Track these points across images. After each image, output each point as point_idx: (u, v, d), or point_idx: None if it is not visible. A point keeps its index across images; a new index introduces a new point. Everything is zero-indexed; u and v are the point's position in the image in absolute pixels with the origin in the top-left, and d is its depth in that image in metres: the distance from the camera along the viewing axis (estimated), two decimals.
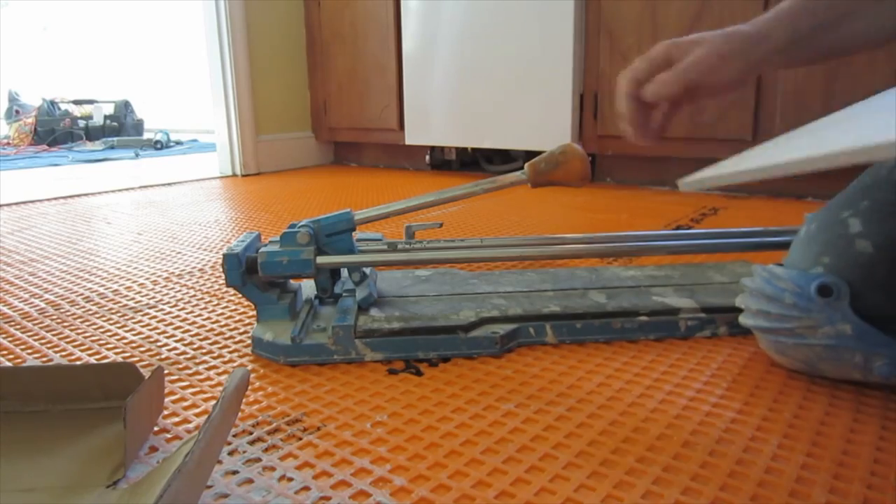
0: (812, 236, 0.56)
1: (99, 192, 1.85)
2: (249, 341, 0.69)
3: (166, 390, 0.57)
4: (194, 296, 0.86)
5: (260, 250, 0.67)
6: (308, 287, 0.77)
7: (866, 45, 0.62)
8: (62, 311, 0.81)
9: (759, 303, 0.56)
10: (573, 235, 0.80)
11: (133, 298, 0.86)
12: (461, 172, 2.08)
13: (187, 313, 0.79)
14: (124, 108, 3.93)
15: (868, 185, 0.55)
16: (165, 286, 0.91)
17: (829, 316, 0.52)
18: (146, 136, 3.69)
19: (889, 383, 0.53)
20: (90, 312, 0.80)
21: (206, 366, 0.64)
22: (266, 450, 0.48)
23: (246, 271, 0.65)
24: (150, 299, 0.85)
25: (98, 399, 0.51)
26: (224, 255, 0.64)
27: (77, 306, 0.83)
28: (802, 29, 0.58)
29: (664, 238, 0.78)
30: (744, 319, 0.58)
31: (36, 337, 0.73)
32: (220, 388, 0.57)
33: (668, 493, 0.42)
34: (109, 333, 0.73)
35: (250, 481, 0.44)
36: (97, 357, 0.67)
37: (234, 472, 0.45)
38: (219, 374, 0.62)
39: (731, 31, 0.57)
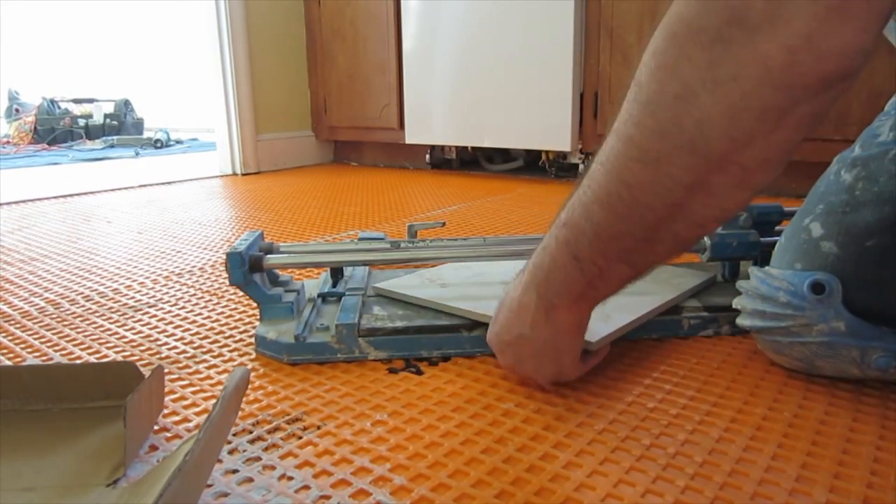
0: (783, 244, 0.58)
1: (99, 191, 1.85)
2: (250, 340, 0.69)
3: (166, 389, 0.57)
4: (194, 295, 0.86)
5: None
6: (311, 286, 0.77)
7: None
8: (62, 309, 0.81)
9: (755, 303, 0.57)
10: None
11: (133, 297, 0.86)
12: (461, 171, 2.08)
13: (187, 312, 0.79)
14: (124, 106, 3.93)
15: (822, 191, 0.57)
16: (166, 285, 0.91)
17: (822, 313, 0.52)
18: (146, 134, 3.69)
19: (887, 377, 0.53)
20: (90, 311, 0.80)
21: (206, 365, 0.64)
22: (266, 448, 0.48)
23: (249, 269, 0.65)
24: (150, 298, 0.85)
25: (98, 398, 0.51)
26: (227, 254, 0.64)
27: (77, 305, 0.83)
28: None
29: None
30: (741, 321, 0.59)
31: (36, 336, 0.73)
32: (221, 387, 0.57)
33: (668, 492, 0.42)
34: (109, 332, 0.73)
35: (250, 480, 0.44)
36: (97, 356, 0.67)
37: (234, 471, 0.45)
38: (219, 373, 0.62)
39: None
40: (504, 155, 2.06)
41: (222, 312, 0.79)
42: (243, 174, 2.12)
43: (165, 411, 0.54)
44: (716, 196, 0.39)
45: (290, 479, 0.44)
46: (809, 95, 0.34)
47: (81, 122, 3.77)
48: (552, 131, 1.71)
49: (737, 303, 0.59)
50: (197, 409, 0.55)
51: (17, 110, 3.75)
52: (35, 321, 0.77)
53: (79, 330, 0.74)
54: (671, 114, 0.36)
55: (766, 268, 0.58)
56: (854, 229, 0.53)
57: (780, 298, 0.54)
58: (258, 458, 0.47)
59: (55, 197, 1.75)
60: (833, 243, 0.54)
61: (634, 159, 0.39)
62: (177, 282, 0.92)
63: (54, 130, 3.65)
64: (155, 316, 0.78)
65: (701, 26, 0.34)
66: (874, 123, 0.58)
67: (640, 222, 0.41)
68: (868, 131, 0.58)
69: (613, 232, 0.43)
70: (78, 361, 0.65)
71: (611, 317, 0.61)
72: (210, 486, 0.43)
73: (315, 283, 0.79)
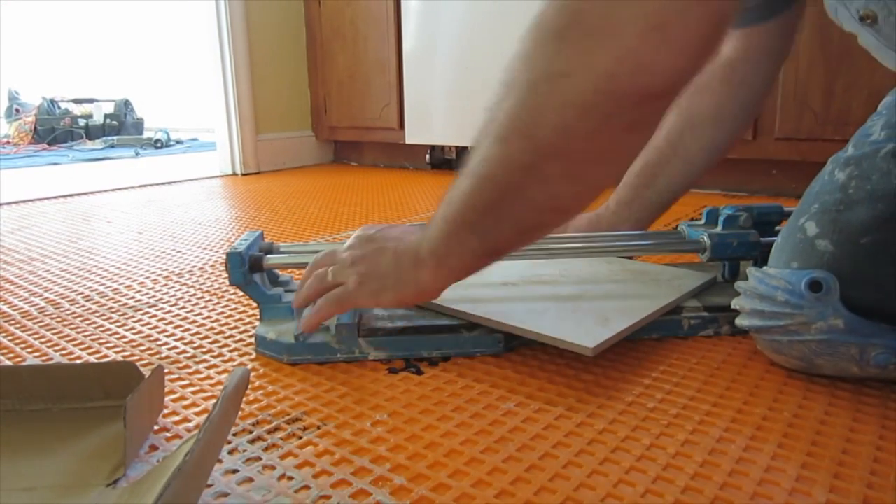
0: (780, 244, 0.59)
1: (99, 191, 1.85)
2: (250, 340, 0.69)
3: (166, 389, 0.57)
4: (194, 294, 0.86)
5: (708, 233, 0.70)
6: None
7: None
8: (62, 309, 0.81)
9: (753, 302, 0.57)
10: (573, 234, 0.80)
11: (133, 297, 0.86)
12: None
13: (188, 312, 0.79)
14: (124, 106, 3.94)
15: (817, 191, 0.58)
16: (166, 285, 0.91)
17: (820, 311, 0.53)
18: (146, 134, 3.69)
19: (886, 374, 0.53)
20: (90, 311, 0.80)
21: (206, 365, 0.64)
22: (266, 448, 0.48)
23: (249, 269, 0.65)
24: (150, 298, 0.85)
25: (98, 398, 0.51)
26: (227, 254, 0.64)
27: (77, 305, 0.83)
28: None
29: (664, 237, 0.78)
30: (740, 321, 0.59)
31: (36, 336, 0.73)
32: (221, 387, 0.57)
33: (668, 492, 0.42)
34: (109, 332, 0.73)
35: (250, 480, 0.44)
36: (97, 356, 0.67)
37: (235, 471, 0.45)
38: (219, 373, 0.62)
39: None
40: None
41: (222, 312, 0.79)
42: (243, 174, 2.12)
43: (165, 411, 0.54)
44: (549, 183, 0.42)
45: (290, 479, 0.44)
46: (630, 105, 0.36)
47: (81, 122, 3.77)
48: None
49: (735, 303, 0.59)
50: (197, 409, 0.55)
51: (17, 110, 3.75)
52: (35, 321, 0.77)
53: (79, 330, 0.74)
54: (519, 99, 0.40)
55: (764, 268, 0.58)
56: (849, 227, 0.54)
57: (779, 297, 0.54)
58: (258, 458, 0.47)
59: (55, 197, 1.75)
60: (828, 241, 0.55)
61: (492, 136, 0.43)
62: (177, 282, 0.92)
63: (54, 130, 3.65)
64: (155, 316, 0.78)
65: (550, 23, 0.38)
66: (867, 123, 0.59)
67: (489, 196, 0.44)
68: (861, 131, 0.58)
69: (468, 201, 0.46)
70: (78, 361, 0.65)
71: (610, 320, 0.61)
72: (210, 486, 0.43)
73: None
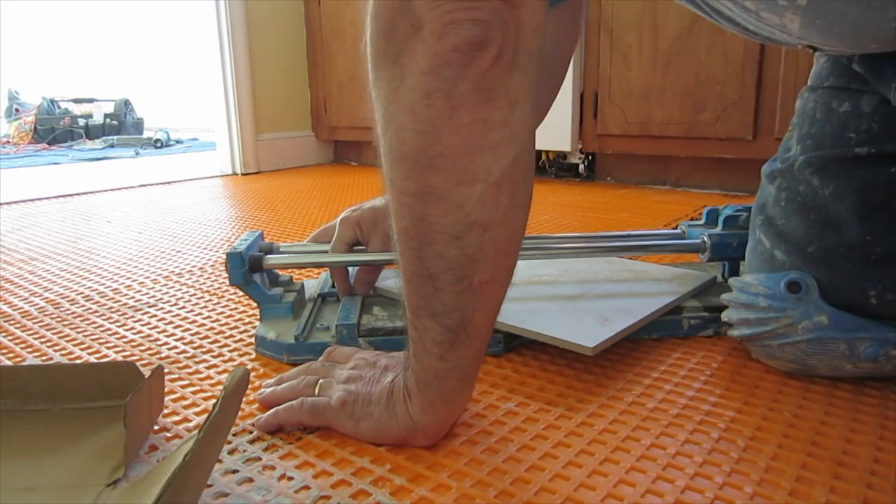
0: (748, 254, 0.61)
1: (99, 191, 1.85)
2: (250, 340, 0.69)
3: (166, 389, 0.57)
4: (194, 294, 0.86)
5: (708, 233, 0.71)
6: (311, 286, 0.77)
7: None
8: (62, 309, 0.81)
9: (739, 312, 0.58)
10: (573, 235, 0.80)
11: (133, 297, 0.86)
12: None
13: (188, 312, 0.79)
14: (124, 106, 3.94)
15: (761, 204, 0.60)
16: (166, 285, 0.91)
17: (803, 311, 0.53)
18: (146, 134, 3.69)
19: (880, 369, 0.53)
20: (90, 311, 0.80)
21: (206, 364, 0.64)
22: (266, 449, 0.48)
23: (249, 269, 0.65)
24: (150, 298, 0.85)
25: (98, 398, 0.51)
26: (227, 254, 0.64)
27: (77, 305, 0.83)
28: None
29: (664, 237, 0.78)
30: (731, 332, 0.60)
31: (36, 336, 0.73)
32: (221, 387, 0.57)
33: (667, 492, 0.42)
34: (109, 332, 0.73)
35: (250, 480, 0.44)
36: (97, 356, 0.67)
37: (234, 471, 0.45)
38: (219, 373, 0.62)
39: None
40: None
41: (222, 312, 0.79)
42: (243, 174, 2.12)
43: (165, 411, 0.54)
44: (446, 198, 0.38)
45: (291, 479, 0.44)
46: (460, 65, 0.35)
47: (81, 121, 3.77)
48: (552, 131, 1.70)
49: (724, 316, 0.60)
50: (197, 409, 0.55)
51: (17, 110, 3.75)
52: (35, 321, 0.77)
53: (79, 330, 0.74)
54: (382, 135, 0.39)
55: (742, 276, 0.59)
56: (793, 239, 0.56)
57: (761, 304, 0.56)
58: (258, 459, 0.47)
59: (55, 197, 1.75)
60: (781, 252, 0.56)
61: (387, 189, 0.41)
62: (177, 282, 0.92)
63: (54, 130, 3.65)
64: (155, 316, 0.78)
65: (371, 56, 0.38)
66: (786, 135, 0.61)
67: (411, 255, 0.41)
68: (783, 143, 0.61)
69: (406, 277, 0.42)
70: (78, 361, 0.65)
71: (610, 320, 0.61)
72: (210, 486, 0.43)
73: (315, 283, 0.79)
